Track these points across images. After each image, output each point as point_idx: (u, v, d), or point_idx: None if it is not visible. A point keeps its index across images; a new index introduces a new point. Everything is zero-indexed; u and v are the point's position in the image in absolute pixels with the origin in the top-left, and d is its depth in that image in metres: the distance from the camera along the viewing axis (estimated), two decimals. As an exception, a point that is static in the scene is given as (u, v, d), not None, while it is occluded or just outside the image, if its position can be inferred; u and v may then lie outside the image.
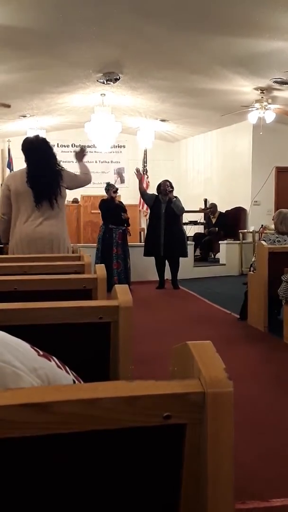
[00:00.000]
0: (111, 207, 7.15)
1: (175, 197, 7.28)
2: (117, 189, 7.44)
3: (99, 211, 7.48)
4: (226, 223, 9.94)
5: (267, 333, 4.67)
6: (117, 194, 7.49)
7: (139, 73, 7.25)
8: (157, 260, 7.40)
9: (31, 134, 10.49)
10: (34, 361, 0.84)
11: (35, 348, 0.89)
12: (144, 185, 8.51)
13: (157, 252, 7.25)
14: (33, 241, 3.37)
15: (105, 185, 7.42)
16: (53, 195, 3.39)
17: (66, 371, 0.92)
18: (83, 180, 3.74)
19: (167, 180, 7.38)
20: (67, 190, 3.58)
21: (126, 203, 7.94)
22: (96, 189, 10.41)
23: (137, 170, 7.55)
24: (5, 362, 0.78)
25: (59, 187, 3.43)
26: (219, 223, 9.99)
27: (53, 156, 3.48)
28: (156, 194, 7.38)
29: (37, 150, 3.43)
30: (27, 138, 3.58)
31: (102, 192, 7.60)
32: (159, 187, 7.39)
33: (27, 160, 3.48)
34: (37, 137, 3.60)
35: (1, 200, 3.54)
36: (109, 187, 7.25)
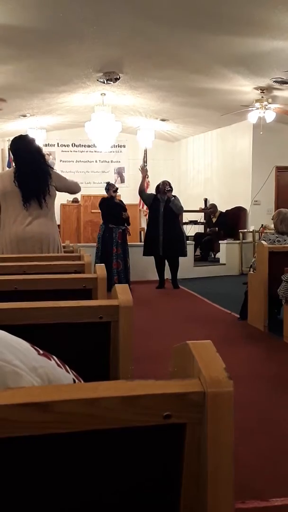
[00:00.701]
0: (111, 206, 7.15)
1: (174, 196, 7.29)
2: (117, 189, 7.44)
3: (99, 211, 7.48)
4: (226, 223, 9.94)
5: (267, 333, 4.67)
6: (117, 193, 7.49)
7: (139, 72, 7.25)
8: (156, 259, 7.41)
9: (31, 133, 10.48)
10: (34, 360, 0.84)
11: (35, 347, 0.89)
12: (145, 185, 8.52)
13: (156, 251, 7.25)
14: (23, 241, 3.35)
15: (105, 184, 7.42)
16: (41, 194, 3.37)
17: (66, 370, 0.92)
18: (73, 184, 3.69)
19: (166, 180, 7.40)
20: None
21: (126, 202, 7.95)
22: (96, 189, 10.44)
23: (142, 167, 7.57)
24: (5, 361, 0.78)
25: (48, 186, 3.41)
26: (219, 222, 9.99)
27: (41, 155, 3.48)
28: (155, 193, 7.40)
29: (24, 149, 3.41)
30: (14, 137, 3.57)
31: (102, 192, 7.62)
32: (158, 187, 7.40)
33: (15, 159, 3.48)
34: (24, 136, 3.59)
35: None
36: (109, 187, 7.25)
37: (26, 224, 3.36)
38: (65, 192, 3.71)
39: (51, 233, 3.45)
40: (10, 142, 3.51)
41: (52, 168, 3.54)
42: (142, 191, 7.64)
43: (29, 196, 3.35)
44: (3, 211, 3.42)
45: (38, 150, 3.49)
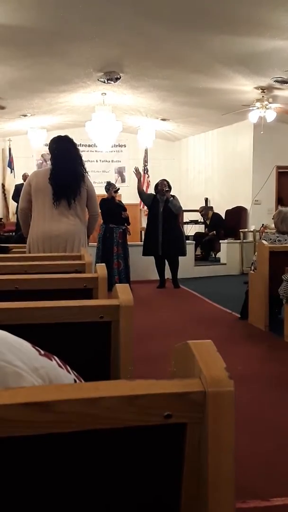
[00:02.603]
0: (111, 206, 7.15)
1: (172, 196, 7.28)
2: (118, 189, 7.43)
3: (100, 210, 7.46)
4: (219, 224, 9.91)
5: (268, 332, 4.67)
6: (118, 193, 7.48)
7: (140, 72, 7.25)
8: (156, 259, 7.41)
9: (32, 133, 10.47)
10: (35, 360, 0.84)
11: (36, 347, 0.89)
12: (145, 185, 8.48)
13: (156, 251, 7.25)
14: (49, 239, 3.41)
15: (105, 184, 7.42)
16: (71, 194, 3.43)
17: (67, 371, 0.92)
18: (97, 206, 3.77)
19: (164, 180, 7.38)
20: None
21: (127, 202, 7.94)
22: (96, 189, 10.38)
23: (136, 169, 7.54)
24: (6, 362, 0.79)
25: (79, 187, 3.46)
26: (213, 224, 9.96)
27: (78, 156, 3.54)
28: (154, 193, 7.39)
29: (62, 149, 3.49)
30: (54, 137, 3.66)
31: (103, 192, 7.60)
32: (156, 186, 7.40)
33: (52, 158, 3.55)
34: (64, 137, 3.65)
35: (21, 195, 3.62)
36: (110, 187, 7.24)
37: (53, 222, 3.42)
38: (88, 203, 3.66)
39: (77, 233, 3.48)
40: (49, 141, 3.61)
41: (87, 172, 3.60)
42: (141, 192, 7.62)
43: (59, 195, 3.40)
44: (33, 209, 3.48)
45: (77, 152, 3.55)
